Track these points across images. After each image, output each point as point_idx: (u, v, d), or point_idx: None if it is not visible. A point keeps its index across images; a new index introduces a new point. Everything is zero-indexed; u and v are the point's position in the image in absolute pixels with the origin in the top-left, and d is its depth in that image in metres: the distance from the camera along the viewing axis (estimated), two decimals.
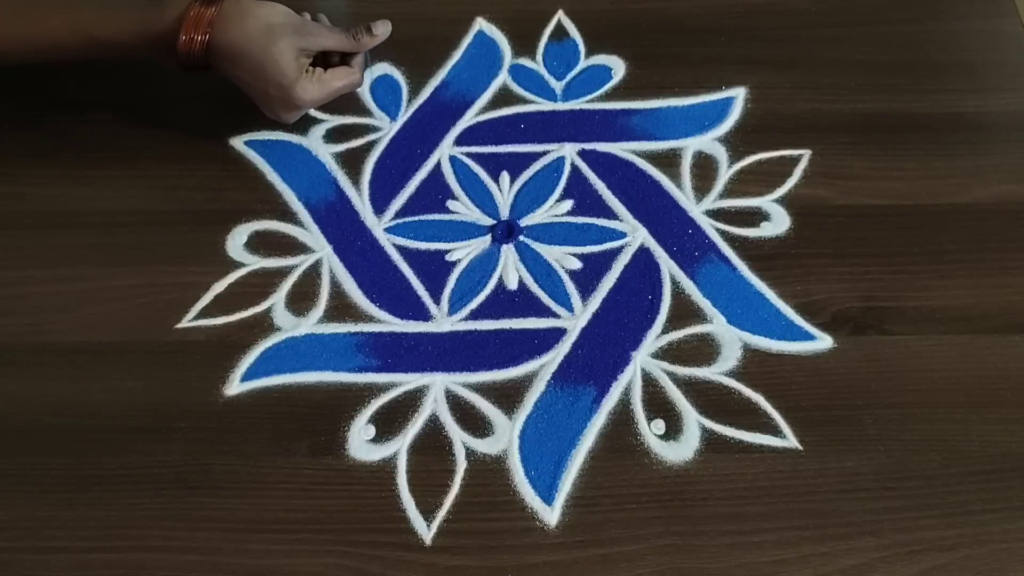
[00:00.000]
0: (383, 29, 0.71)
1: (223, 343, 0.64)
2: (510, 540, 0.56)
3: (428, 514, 0.57)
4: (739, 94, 0.75)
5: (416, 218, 0.70)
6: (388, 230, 0.69)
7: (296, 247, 0.68)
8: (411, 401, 0.61)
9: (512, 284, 0.66)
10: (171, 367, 0.63)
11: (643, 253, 0.67)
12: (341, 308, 0.65)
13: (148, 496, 0.58)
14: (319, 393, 0.62)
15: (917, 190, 0.70)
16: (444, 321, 0.65)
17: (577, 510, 0.57)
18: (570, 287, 0.66)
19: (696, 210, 0.69)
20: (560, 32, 0.80)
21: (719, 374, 0.62)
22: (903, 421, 0.60)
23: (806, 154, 0.72)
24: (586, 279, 0.66)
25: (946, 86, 0.75)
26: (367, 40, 0.71)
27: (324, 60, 0.71)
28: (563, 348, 0.63)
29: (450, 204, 0.70)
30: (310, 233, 0.69)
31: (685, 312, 0.65)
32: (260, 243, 0.69)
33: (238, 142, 0.73)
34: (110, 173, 0.72)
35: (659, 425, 0.60)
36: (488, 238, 0.69)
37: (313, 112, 0.74)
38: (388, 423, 0.60)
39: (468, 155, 0.73)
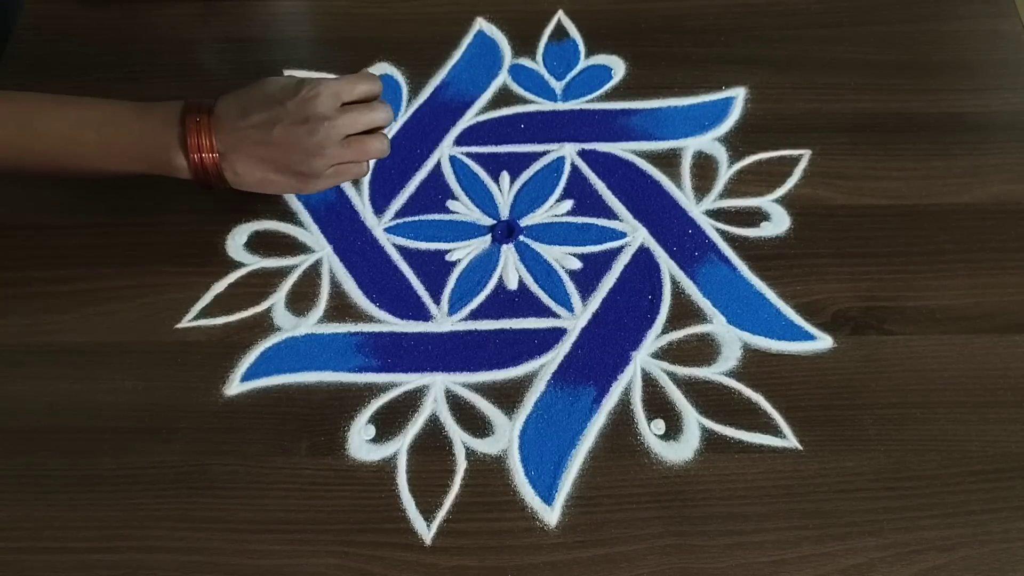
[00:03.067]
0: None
1: (223, 343, 0.64)
2: (510, 540, 0.56)
3: (428, 514, 0.57)
4: (739, 94, 0.75)
5: (416, 218, 0.70)
6: (388, 230, 0.69)
7: (296, 247, 0.68)
8: (411, 401, 0.61)
9: (512, 284, 0.66)
10: (171, 367, 0.63)
11: (643, 253, 0.67)
12: (341, 308, 0.65)
13: (148, 496, 0.58)
14: (319, 393, 0.62)
15: (917, 190, 0.70)
16: (444, 321, 0.65)
17: (577, 510, 0.57)
18: (570, 287, 0.66)
19: (696, 210, 0.69)
20: (560, 32, 0.80)
21: (719, 374, 0.62)
22: (903, 421, 0.60)
23: (806, 154, 0.72)
24: (586, 279, 0.66)
25: (946, 86, 0.75)
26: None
27: None
28: (563, 348, 0.63)
29: (450, 204, 0.70)
30: (310, 233, 0.69)
31: (685, 312, 0.65)
32: (260, 243, 0.69)
33: None
34: None
35: (659, 425, 0.60)
36: (488, 238, 0.69)
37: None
38: (388, 423, 0.60)
39: (468, 155, 0.73)
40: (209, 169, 0.62)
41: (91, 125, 0.62)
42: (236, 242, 0.68)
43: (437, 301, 0.66)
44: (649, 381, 0.62)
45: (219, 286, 0.66)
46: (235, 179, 0.63)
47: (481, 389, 0.62)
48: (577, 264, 0.67)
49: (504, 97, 0.76)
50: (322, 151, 0.62)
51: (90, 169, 0.63)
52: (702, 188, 0.70)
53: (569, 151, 0.73)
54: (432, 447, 0.59)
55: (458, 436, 0.60)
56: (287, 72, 0.76)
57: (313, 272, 0.67)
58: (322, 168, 0.63)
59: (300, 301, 0.66)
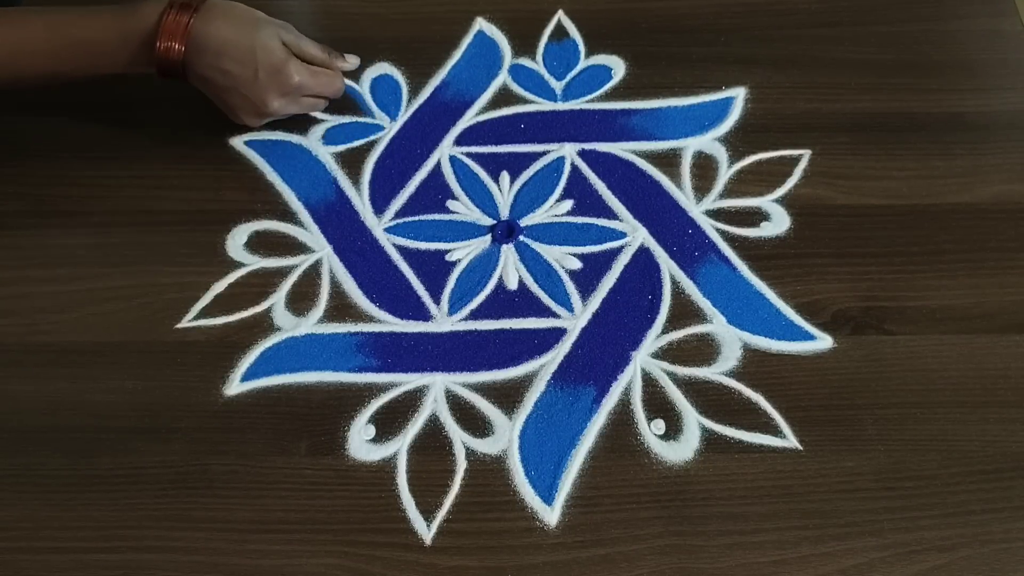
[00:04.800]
0: (353, 61, 0.74)
1: (223, 343, 0.64)
2: (510, 540, 0.56)
3: (428, 514, 0.57)
4: (739, 94, 0.75)
5: (416, 218, 0.70)
6: (388, 230, 0.69)
7: (296, 247, 0.68)
8: (411, 401, 0.61)
9: (512, 284, 0.66)
10: (171, 367, 0.63)
11: (643, 253, 0.67)
12: (341, 308, 0.65)
13: (148, 496, 0.58)
14: (319, 393, 0.62)
15: (917, 190, 0.70)
16: (444, 321, 0.65)
17: (577, 510, 0.57)
18: (570, 287, 0.66)
19: (696, 210, 0.69)
20: (560, 32, 0.80)
21: (719, 374, 0.62)
22: (903, 421, 0.60)
23: (806, 154, 0.72)
24: (586, 279, 0.66)
25: (946, 86, 0.75)
26: (339, 62, 0.73)
27: None
28: (563, 348, 0.63)
29: (450, 204, 0.70)
30: (310, 233, 0.69)
31: (685, 312, 0.65)
32: (260, 243, 0.69)
33: (238, 142, 0.73)
34: (110, 173, 0.72)
35: (659, 425, 0.60)
36: (488, 238, 0.69)
37: (314, 112, 0.73)
38: (388, 423, 0.60)
39: (468, 155, 0.73)
40: (174, 53, 0.66)
41: (73, 43, 0.67)
42: (236, 242, 0.68)
43: (437, 301, 0.66)
44: (649, 381, 0.62)
45: (219, 286, 0.66)
46: (190, 81, 0.69)
47: (481, 389, 0.62)
48: (577, 264, 0.67)
49: (504, 97, 0.76)
50: (260, 119, 0.70)
51: (62, 35, 0.67)
52: (702, 188, 0.70)
53: (569, 151, 0.73)
54: (432, 447, 0.59)
55: (458, 436, 0.60)
56: None
57: (313, 272, 0.67)
58: (253, 123, 0.71)
59: (300, 301, 0.66)
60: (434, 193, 0.71)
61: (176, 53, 0.66)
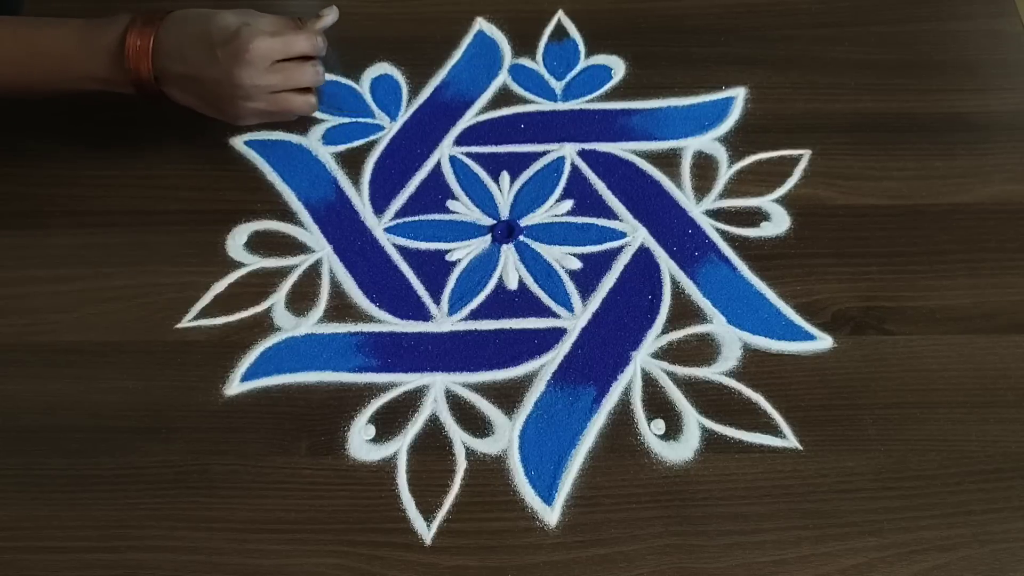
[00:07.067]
0: (329, 18, 0.72)
1: (223, 343, 0.64)
2: (510, 540, 0.56)
3: (428, 514, 0.57)
4: (739, 94, 0.75)
5: (416, 218, 0.70)
6: (388, 230, 0.69)
7: (296, 247, 0.68)
8: (411, 401, 0.61)
9: (512, 284, 0.66)
10: (171, 367, 0.63)
11: (643, 253, 0.67)
12: (341, 308, 0.65)
13: (148, 496, 0.58)
14: (319, 393, 0.62)
15: (917, 190, 0.70)
16: (444, 321, 0.65)
17: (577, 510, 0.57)
18: (570, 287, 0.66)
19: (696, 210, 0.69)
20: (560, 32, 0.80)
21: (719, 374, 0.62)
22: (903, 421, 0.60)
23: (806, 154, 0.72)
24: (586, 279, 0.66)
25: (946, 86, 0.75)
26: (309, 24, 0.70)
27: None
28: (563, 348, 0.63)
29: (450, 204, 0.70)
30: (310, 233, 0.69)
31: (685, 312, 0.65)
32: (260, 243, 0.69)
33: (238, 142, 0.73)
34: (110, 173, 0.72)
35: (659, 425, 0.60)
36: (488, 238, 0.69)
37: (315, 113, 0.73)
38: (388, 423, 0.60)
39: (468, 155, 0.73)
40: (145, 81, 0.67)
41: (39, 54, 0.67)
42: (236, 242, 0.68)
43: (437, 301, 0.66)
44: (649, 381, 0.62)
45: (219, 286, 0.66)
46: (173, 98, 0.68)
47: (481, 389, 0.62)
48: (577, 264, 0.67)
49: (504, 97, 0.76)
50: (244, 103, 0.67)
51: (26, 42, 0.67)
52: (702, 188, 0.70)
53: (569, 151, 0.73)
54: (432, 447, 0.59)
55: (458, 436, 0.60)
56: None
57: (313, 272, 0.67)
58: (244, 113, 0.68)
59: (300, 301, 0.66)
60: (434, 193, 0.71)
61: (146, 73, 0.66)
